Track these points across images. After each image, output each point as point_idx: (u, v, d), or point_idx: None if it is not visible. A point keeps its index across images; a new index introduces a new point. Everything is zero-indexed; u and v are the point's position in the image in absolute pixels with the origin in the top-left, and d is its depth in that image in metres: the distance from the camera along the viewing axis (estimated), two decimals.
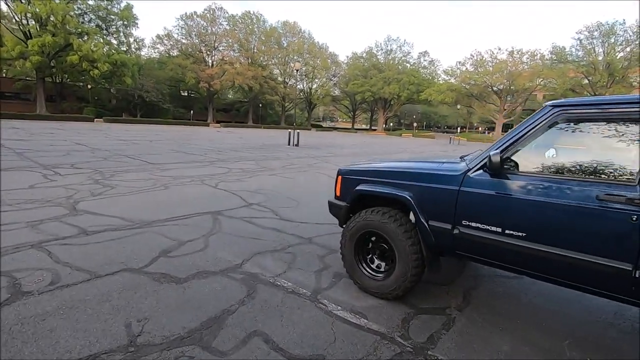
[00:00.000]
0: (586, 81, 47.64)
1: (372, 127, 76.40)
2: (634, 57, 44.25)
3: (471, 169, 2.36)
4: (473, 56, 54.23)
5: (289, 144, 19.89)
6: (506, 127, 62.76)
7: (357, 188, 2.92)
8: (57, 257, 3.25)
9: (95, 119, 39.03)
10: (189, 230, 4.25)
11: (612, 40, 45.61)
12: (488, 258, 2.36)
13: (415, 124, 68.03)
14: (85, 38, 38.53)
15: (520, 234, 2.13)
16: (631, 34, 44.46)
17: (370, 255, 2.98)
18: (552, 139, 2.15)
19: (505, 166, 2.20)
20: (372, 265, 2.94)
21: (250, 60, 56.59)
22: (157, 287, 2.81)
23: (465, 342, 2.33)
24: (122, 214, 4.78)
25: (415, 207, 2.57)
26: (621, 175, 1.87)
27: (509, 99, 53.45)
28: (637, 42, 44.26)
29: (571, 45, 53.24)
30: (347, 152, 18.09)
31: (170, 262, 3.31)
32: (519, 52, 50.36)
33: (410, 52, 70.02)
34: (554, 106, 2.12)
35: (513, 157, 2.24)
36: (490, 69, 51.15)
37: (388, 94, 58.94)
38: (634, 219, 1.75)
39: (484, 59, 52.74)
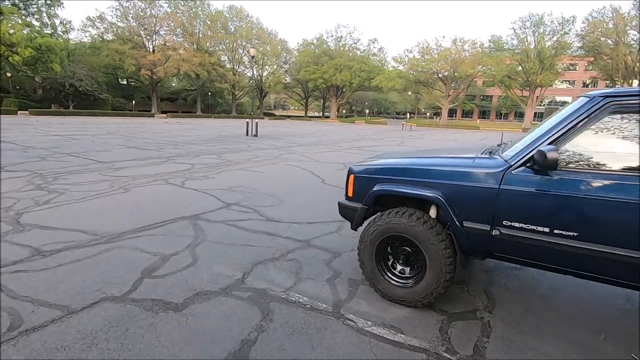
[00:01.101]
0: (520, 68, 51.35)
1: (325, 115, 76.47)
2: (560, 46, 48.53)
3: (512, 166, 2.19)
4: (420, 44, 56.26)
5: (247, 135, 19.07)
6: (452, 112, 66.21)
7: (377, 188, 2.65)
8: (11, 291, 2.62)
9: (20, 112, 34.61)
10: (169, 241, 3.72)
11: (542, 30, 49.40)
12: (531, 259, 2.23)
13: (367, 111, 69.21)
14: (0, 18, 33.63)
15: (571, 233, 2.01)
16: (557, 24, 48.55)
17: (391, 261, 2.75)
18: (601, 132, 2.04)
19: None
20: (394, 271, 2.72)
21: (195, 46, 53.32)
22: (152, 318, 2.34)
23: (510, 349, 2.20)
24: (82, 225, 4.09)
25: (448, 208, 2.36)
26: None
27: (453, 85, 56.14)
28: (561, 32, 48.52)
29: (507, 34, 56.89)
30: (309, 141, 17.76)
31: (158, 283, 2.82)
32: (461, 41, 52.91)
33: (360, 39, 70.79)
34: (605, 96, 2.00)
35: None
36: (436, 56, 53.24)
37: (340, 81, 58.97)
38: None
39: (429, 46, 54.68)
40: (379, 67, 61.18)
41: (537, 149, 2.06)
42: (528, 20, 49.78)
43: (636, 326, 2.51)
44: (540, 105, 64.44)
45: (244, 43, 58.38)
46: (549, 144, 2.09)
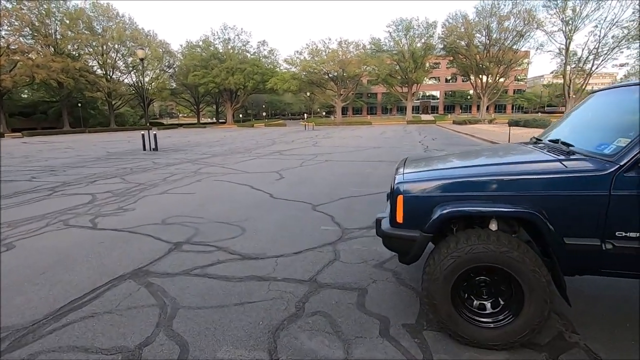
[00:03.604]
0: (398, 67, 57.06)
1: (220, 121, 72.90)
2: (427, 47, 55.51)
3: (622, 167, 1.86)
4: (309, 45, 57.65)
5: (145, 149, 16.47)
6: (344, 110, 69.88)
7: (449, 209, 2.07)
8: None
9: None
10: (123, 322, 2.51)
11: (412, 33, 55.70)
12: None
13: (265, 114, 68.26)
14: None
15: None
16: (423, 28, 55.36)
17: (465, 296, 2.22)
18: None
19: None
20: (474, 309, 2.19)
21: (53, 49, 44.71)
22: None
23: None
24: None
25: (547, 225, 1.94)
26: None
27: (343, 84, 59.30)
28: (427, 35, 55.56)
29: (384, 37, 62.56)
30: (220, 150, 16.22)
31: None
32: (346, 43, 56.26)
33: (249, 41, 68.92)
34: None
35: None
36: (325, 57, 55.46)
37: (233, 85, 56.76)
38: None
39: (318, 48, 56.70)
40: (272, 69, 60.93)
41: None
42: (400, 24, 55.58)
43: None
44: (417, 100, 72.84)
45: (116, 45, 51.41)
46: None
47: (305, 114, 69.37)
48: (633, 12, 42.17)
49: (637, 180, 1.84)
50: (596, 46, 48.39)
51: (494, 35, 50.99)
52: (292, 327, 2.41)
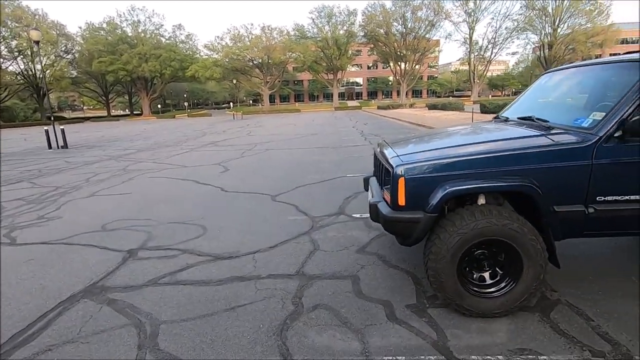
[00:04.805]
0: (323, 54, 57.57)
1: (135, 112, 66.39)
2: (349, 34, 56.88)
3: (601, 138, 2.05)
4: (230, 31, 55.09)
5: (50, 147, 14.23)
6: (271, 98, 68.65)
7: (452, 188, 2.09)
8: None
9: None
10: (96, 350, 2.12)
11: (334, 20, 56.48)
12: (625, 229, 2.21)
13: (186, 104, 63.88)
14: None
15: None
16: (344, 16, 56.47)
17: (466, 269, 2.30)
18: None
19: None
20: (475, 281, 2.29)
21: None
22: None
23: (622, 321, 2.14)
24: None
25: (542, 195, 2.07)
26: None
27: (269, 71, 58.06)
28: (349, 23, 56.88)
29: (308, 23, 62.40)
30: (145, 144, 14.75)
31: None
32: (270, 28, 54.90)
33: (163, 25, 63.24)
34: None
35: None
36: (248, 43, 53.56)
37: (148, 72, 51.88)
38: None
39: (240, 33, 54.47)
40: (191, 56, 57.00)
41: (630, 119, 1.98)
42: (322, 11, 55.92)
43: None
44: (342, 86, 74.55)
45: None
46: (631, 113, 2.03)
47: (230, 103, 66.62)
48: (521, 7, 48.34)
49: (613, 150, 2.05)
50: (494, 36, 54.64)
51: (410, 24, 54.17)
52: (297, 325, 2.27)
